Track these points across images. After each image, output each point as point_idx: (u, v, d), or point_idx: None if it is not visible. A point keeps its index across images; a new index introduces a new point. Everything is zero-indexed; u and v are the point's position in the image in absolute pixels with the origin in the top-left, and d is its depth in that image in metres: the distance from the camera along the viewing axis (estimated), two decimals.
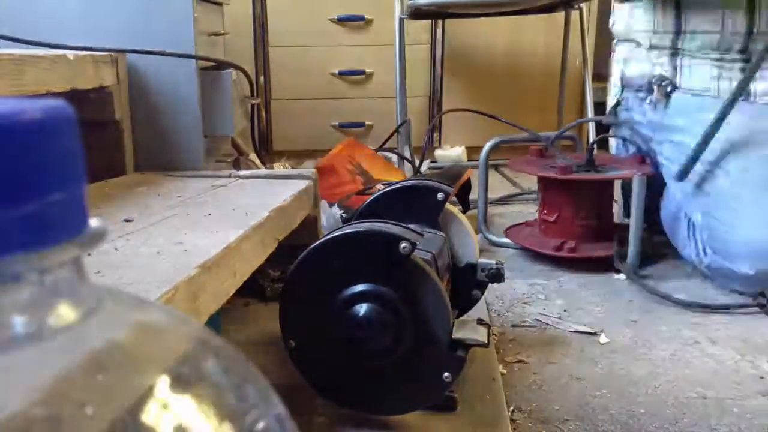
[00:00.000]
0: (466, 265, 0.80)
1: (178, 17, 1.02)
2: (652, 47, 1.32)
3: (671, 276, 1.19)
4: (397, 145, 1.90)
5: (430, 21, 2.24)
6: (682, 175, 1.18)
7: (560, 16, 2.08)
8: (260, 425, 0.16)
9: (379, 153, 1.70)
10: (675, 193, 1.25)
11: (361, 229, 0.63)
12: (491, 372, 0.77)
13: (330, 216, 1.19)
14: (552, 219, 1.29)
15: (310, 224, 0.95)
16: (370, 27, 2.28)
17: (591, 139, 1.73)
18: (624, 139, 1.41)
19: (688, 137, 1.21)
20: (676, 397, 0.78)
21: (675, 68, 1.29)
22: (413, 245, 0.59)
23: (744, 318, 1.01)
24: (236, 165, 1.43)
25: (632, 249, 1.18)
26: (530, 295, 1.11)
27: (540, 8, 1.84)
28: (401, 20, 1.89)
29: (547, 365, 0.86)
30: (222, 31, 1.31)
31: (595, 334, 0.95)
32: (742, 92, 1.14)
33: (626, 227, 1.22)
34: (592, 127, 1.90)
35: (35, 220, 0.14)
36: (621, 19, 1.39)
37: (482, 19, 2.14)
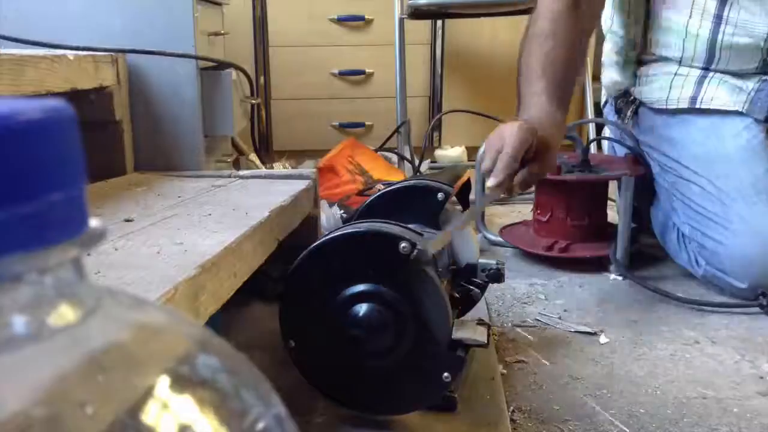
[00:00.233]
0: (466, 265, 0.80)
1: (178, 17, 1.02)
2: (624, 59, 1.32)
3: (669, 276, 1.19)
4: (397, 145, 1.90)
5: (430, 21, 2.23)
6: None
7: None
8: (260, 425, 0.16)
9: (379, 153, 1.70)
10: (663, 199, 1.25)
11: (361, 229, 0.63)
12: (491, 372, 0.77)
13: (330, 216, 1.19)
14: (545, 219, 1.29)
15: (310, 224, 0.95)
16: (370, 27, 2.28)
17: (591, 139, 1.73)
18: (617, 141, 1.41)
19: (661, 156, 1.22)
20: (676, 397, 0.78)
21: (637, 79, 1.30)
22: (413, 245, 0.59)
23: (744, 318, 1.01)
24: (236, 165, 1.43)
25: (620, 248, 1.18)
26: (530, 295, 1.11)
27: None
28: (401, 20, 1.89)
29: (547, 365, 0.86)
30: (222, 31, 1.31)
31: (595, 334, 0.95)
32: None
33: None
34: (592, 127, 1.90)
35: (35, 220, 0.14)
36: (604, 20, 1.38)
37: (482, 19, 2.14)
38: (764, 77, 1.15)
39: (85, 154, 0.16)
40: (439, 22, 2.26)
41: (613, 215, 1.30)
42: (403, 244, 0.59)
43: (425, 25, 2.25)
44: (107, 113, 0.97)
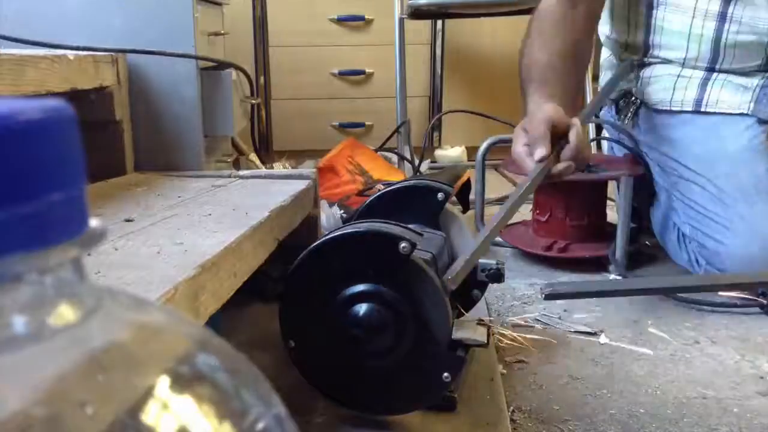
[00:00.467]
0: None
1: (178, 17, 1.02)
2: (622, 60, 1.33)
3: (668, 276, 1.19)
4: (397, 145, 1.90)
5: (430, 21, 2.23)
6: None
7: None
8: (260, 425, 0.16)
9: (379, 153, 1.70)
10: (662, 199, 1.25)
11: (361, 229, 0.63)
12: (491, 372, 0.77)
13: (330, 216, 1.19)
14: (544, 219, 1.29)
15: (310, 224, 0.95)
16: (370, 27, 2.28)
17: (590, 139, 1.73)
18: (615, 141, 1.41)
19: (661, 156, 1.22)
20: (676, 397, 0.78)
21: (639, 81, 1.29)
22: (413, 245, 0.59)
23: (744, 318, 1.01)
24: (236, 165, 1.43)
25: (619, 248, 1.18)
26: (530, 295, 1.11)
27: None
28: (401, 20, 1.89)
29: (547, 365, 0.86)
30: (222, 31, 1.31)
31: (595, 334, 0.95)
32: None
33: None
34: (591, 127, 1.90)
35: (35, 220, 0.14)
36: (601, 30, 1.38)
37: (482, 19, 2.14)
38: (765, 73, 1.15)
39: (85, 154, 0.16)
40: (439, 22, 2.26)
41: (612, 215, 1.30)
42: (403, 244, 0.59)
43: (425, 25, 2.25)
44: (107, 113, 0.97)
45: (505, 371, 0.83)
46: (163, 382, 0.15)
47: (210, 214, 0.72)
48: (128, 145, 1.01)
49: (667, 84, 1.23)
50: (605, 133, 1.53)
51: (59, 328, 0.15)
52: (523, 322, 0.99)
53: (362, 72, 2.30)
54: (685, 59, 1.20)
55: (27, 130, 0.14)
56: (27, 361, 0.14)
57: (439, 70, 2.33)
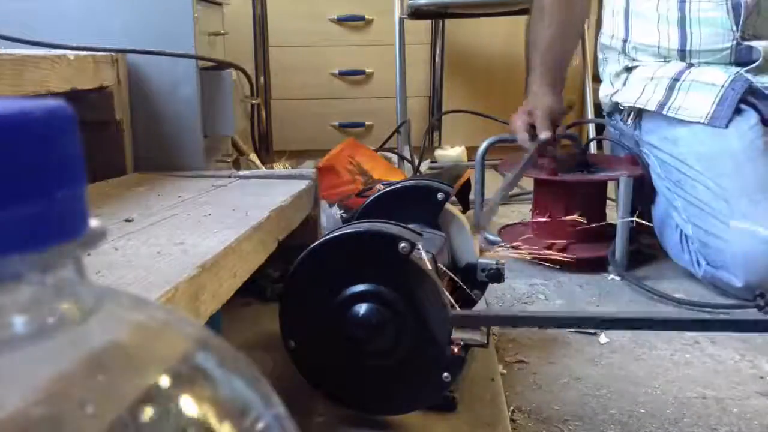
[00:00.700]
0: (466, 265, 0.80)
1: (178, 17, 1.02)
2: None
3: (668, 276, 1.19)
4: (397, 145, 1.90)
5: (430, 21, 2.23)
6: None
7: None
8: (260, 425, 0.17)
9: (379, 153, 1.70)
10: (663, 200, 1.25)
11: (361, 229, 0.63)
12: (491, 372, 0.77)
13: (330, 216, 1.19)
14: (543, 219, 1.29)
15: (310, 224, 0.95)
16: (370, 27, 2.28)
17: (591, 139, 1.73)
18: (616, 141, 1.41)
19: (663, 155, 1.22)
20: (676, 397, 0.78)
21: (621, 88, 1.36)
22: (413, 245, 0.59)
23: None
24: (236, 165, 1.43)
25: (619, 249, 1.18)
26: (530, 295, 1.11)
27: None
28: (401, 20, 1.89)
29: (547, 365, 0.86)
30: (222, 31, 1.31)
31: (595, 334, 0.95)
32: None
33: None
34: (592, 127, 1.90)
35: (35, 220, 0.14)
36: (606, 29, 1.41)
37: (482, 19, 2.14)
38: (739, 69, 1.16)
39: (85, 154, 0.16)
40: (439, 22, 2.26)
41: (612, 215, 1.30)
42: (402, 244, 0.59)
43: (425, 25, 2.25)
44: (107, 113, 0.97)
45: (505, 371, 0.83)
46: (163, 382, 0.15)
47: (210, 214, 0.72)
48: (128, 145, 1.01)
49: (638, 87, 1.28)
50: (606, 134, 1.53)
51: (59, 328, 0.15)
52: None
53: (362, 72, 2.30)
54: (659, 45, 1.25)
55: (27, 130, 0.14)
56: (27, 361, 0.14)
57: (439, 70, 2.33)
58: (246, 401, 0.17)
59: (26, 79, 0.73)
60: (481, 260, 0.80)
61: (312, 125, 2.29)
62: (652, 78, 1.26)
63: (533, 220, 1.33)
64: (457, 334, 0.61)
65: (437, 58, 2.31)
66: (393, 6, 1.90)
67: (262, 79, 2.25)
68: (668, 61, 1.26)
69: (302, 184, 0.92)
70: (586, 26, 2.04)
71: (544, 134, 1.20)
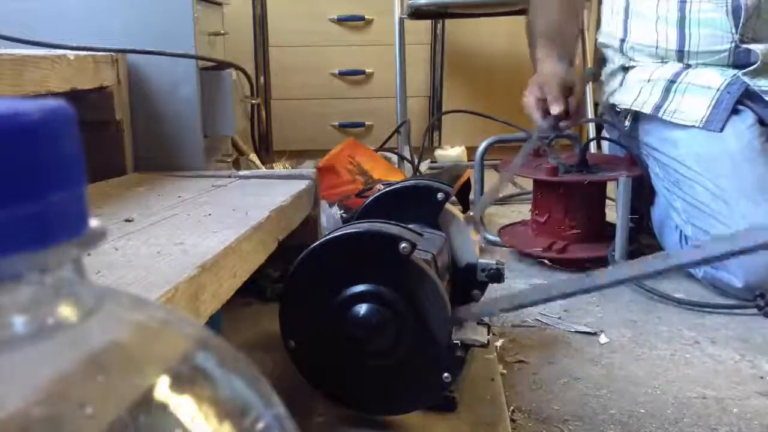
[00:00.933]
0: (466, 265, 0.80)
1: (178, 17, 1.02)
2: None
3: (668, 276, 1.19)
4: (397, 145, 1.91)
5: (430, 21, 2.24)
6: None
7: None
8: (260, 425, 0.16)
9: (379, 153, 1.70)
10: (662, 200, 1.25)
11: (361, 229, 0.63)
12: (491, 372, 0.77)
13: (330, 216, 1.19)
14: (542, 219, 1.29)
15: (310, 224, 0.95)
16: (370, 27, 2.28)
17: (590, 139, 1.73)
18: (615, 141, 1.41)
19: (661, 156, 1.22)
20: (676, 397, 0.78)
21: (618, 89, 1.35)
22: (413, 245, 0.59)
23: (744, 318, 1.01)
24: (236, 165, 1.43)
25: (619, 249, 1.18)
26: None
27: None
28: (401, 20, 1.89)
29: (547, 365, 0.86)
30: (222, 31, 1.31)
31: (595, 334, 0.95)
32: None
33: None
34: (591, 126, 1.90)
35: (35, 220, 0.14)
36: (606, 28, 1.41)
37: (482, 19, 2.14)
38: (736, 72, 1.16)
39: (85, 154, 0.16)
40: (439, 22, 2.26)
41: (612, 215, 1.30)
42: (403, 244, 0.59)
43: (425, 25, 2.25)
44: (107, 113, 0.97)
45: (505, 371, 0.83)
46: (162, 382, 0.15)
47: (210, 214, 0.72)
48: (128, 145, 1.01)
49: (635, 88, 1.27)
50: (605, 134, 1.53)
51: (59, 328, 0.15)
52: (522, 323, 0.99)
53: (362, 72, 2.30)
54: (657, 45, 1.25)
55: (27, 130, 0.14)
56: (27, 361, 0.14)
57: (439, 70, 2.33)
58: (246, 401, 0.17)
59: (26, 79, 0.73)
60: (481, 260, 0.80)
61: (312, 125, 2.30)
62: (648, 80, 1.26)
63: (533, 219, 1.33)
64: (457, 334, 0.61)
65: (437, 58, 2.31)
66: (393, 6, 1.90)
67: (262, 79, 2.25)
68: (666, 62, 1.26)
69: (302, 184, 0.92)
70: (585, 26, 2.05)
71: (555, 107, 1.13)
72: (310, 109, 2.30)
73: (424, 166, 1.96)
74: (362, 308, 0.61)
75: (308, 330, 0.64)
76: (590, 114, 1.96)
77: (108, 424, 0.14)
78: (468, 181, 0.91)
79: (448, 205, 0.78)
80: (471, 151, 2.21)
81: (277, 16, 2.23)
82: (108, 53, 0.94)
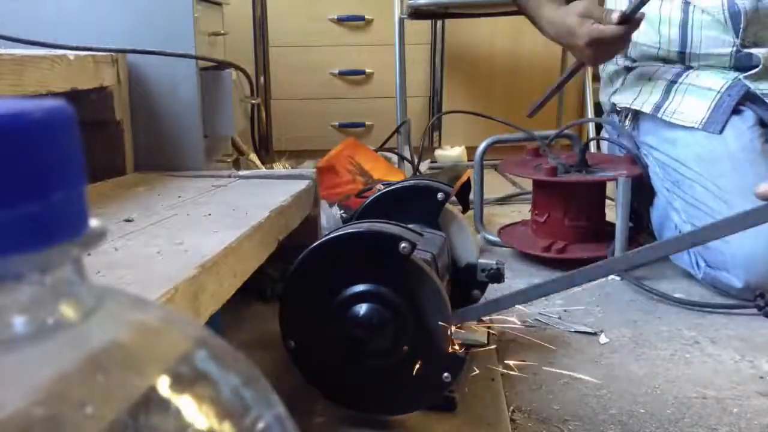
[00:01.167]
0: (466, 265, 0.80)
1: (178, 17, 1.02)
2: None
3: (668, 276, 1.19)
4: (397, 145, 1.90)
5: (430, 21, 2.23)
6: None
7: None
8: (260, 425, 0.17)
9: (379, 153, 1.70)
10: (662, 200, 1.25)
11: (361, 229, 0.63)
12: (491, 372, 0.77)
13: (330, 216, 1.19)
14: (542, 219, 1.29)
15: (310, 224, 0.95)
16: (370, 27, 2.28)
17: (590, 139, 1.73)
18: (614, 141, 1.41)
19: (661, 156, 1.22)
20: (676, 397, 0.78)
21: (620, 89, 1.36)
22: (413, 245, 0.59)
23: (743, 318, 1.01)
24: (236, 165, 1.43)
25: (618, 249, 1.18)
26: None
27: None
28: (401, 20, 1.89)
29: (547, 365, 0.86)
30: (222, 31, 1.31)
31: (595, 334, 0.95)
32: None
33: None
34: (591, 126, 1.90)
35: (36, 220, 0.14)
36: None
37: (482, 19, 2.14)
38: (737, 75, 1.16)
39: (85, 154, 0.16)
40: (439, 22, 2.26)
41: (612, 215, 1.30)
42: (403, 244, 0.59)
43: (425, 25, 2.25)
44: (107, 113, 0.97)
45: (505, 371, 0.83)
46: (163, 382, 0.15)
47: (210, 214, 0.72)
48: (128, 145, 1.01)
49: (635, 88, 1.27)
50: (605, 133, 1.53)
51: (59, 328, 0.15)
52: (522, 323, 0.99)
53: (362, 72, 2.30)
54: (659, 46, 1.25)
55: (27, 130, 0.14)
56: (27, 361, 0.14)
57: (439, 70, 2.33)
58: (246, 401, 0.17)
59: (26, 79, 0.73)
60: (481, 260, 0.80)
61: (312, 125, 2.29)
62: (650, 79, 1.26)
63: (532, 219, 1.33)
64: (457, 334, 0.61)
65: (437, 58, 2.31)
66: (393, 6, 1.90)
67: (262, 79, 2.25)
68: (667, 63, 1.26)
69: (302, 184, 0.92)
70: None
71: (614, 16, 1.11)
72: (310, 109, 2.30)
73: (424, 166, 1.96)
74: (362, 308, 0.61)
75: (308, 330, 0.64)
76: (590, 114, 1.97)
77: (108, 424, 0.14)
78: (468, 181, 0.91)
79: (448, 205, 0.78)
80: (471, 151, 2.21)
81: (277, 16, 2.23)
82: (108, 53, 0.94)
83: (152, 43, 0.99)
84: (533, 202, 1.33)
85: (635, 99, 1.26)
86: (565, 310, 1.04)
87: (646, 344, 0.92)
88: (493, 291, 1.10)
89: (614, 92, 1.36)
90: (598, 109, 1.70)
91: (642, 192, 1.26)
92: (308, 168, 1.28)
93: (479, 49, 2.34)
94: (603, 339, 0.94)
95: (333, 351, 0.63)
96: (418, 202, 0.77)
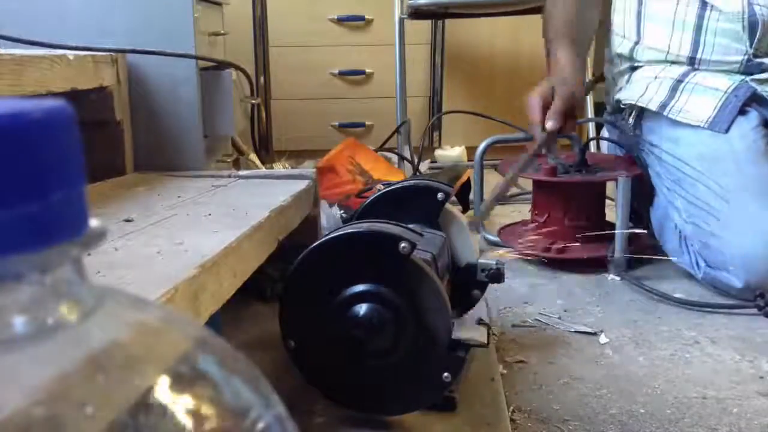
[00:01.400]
0: (466, 265, 0.80)
1: (178, 17, 1.02)
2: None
3: (668, 276, 1.19)
4: (397, 145, 1.91)
5: (430, 21, 2.23)
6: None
7: None
8: (260, 425, 0.17)
9: (379, 153, 1.70)
10: (662, 200, 1.25)
11: (361, 229, 0.63)
12: (491, 372, 0.77)
13: (330, 216, 1.19)
14: (542, 219, 1.29)
15: (310, 224, 0.95)
16: (370, 27, 2.28)
17: (590, 138, 1.73)
18: (614, 141, 1.41)
19: (664, 154, 1.22)
20: (676, 397, 0.78)
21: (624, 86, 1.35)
22: (413, 245, 0.59)
23: (743, 318, 1.01)
24: (236, 165, 1.43)
25: (618, 249, 1.18)
26: (530, 295, 1.11)
27: (540, 8, 1.84)
28: (401, 20, 1.89)
29: (547, 365, 0.86)
30: (222, 31, 1.31)
31: (595, 334, 0.95)
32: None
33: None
34: (591, 126, 1.90)
35: (35, 220, 0.14)
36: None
37: (482, 19, 2.14)
38: (746, 77, 1.16)
39: (85, 154, 0.16)
40: (439, 22, 2.26)
41: (612, 215, 1.30)
42: (403, 244, 0.59)
43: (425, 25, 2.25)
44: (107, 113, 0.96)
45: (505, 371, 0.83)
46: (163, 382, 0.15)
47: (210, 214, 0.72)
48: (128, 145, 1.00)
49: (641, 85, 1.27)
50: (605, 133, 1.53)
51: (59, 328, 0.15)
52: (522, 323, 0.99)
53: (362, 72, 2.30)
54: (669, 49, 1.24)
55: (27, 130, 0.14)
56: (27, 361, 0.14)
57: (439, 70, 2.33)
58: (246, 401, 0.17)
59: (26, 79, 0.73)
60: (481, 260, 0.80)
61: (312, 125, 2.29)
62: (656, 77, 1.25)
63: (533, 219, 1.33)
64: (457, 334, 0.61)
65: (437, 58, 2.31)
66: (393, 6, 1.90)
67: (262, 79, 2.24)
68: (674, 66, 1.25)
69: (302, 184, 0.92)
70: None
71: (551, 123, 1.12)
72: (310, 109, 2.30)
73: (424, 166, 1.96)
74: (362, 308, 0.61)
75: (308, 330, 0.64)
76: (590, 114, 1.96)
77: (108, 424, 0.14)
78: (468, 181, 0.91)
79: (448, 205, 0.78)
80: (471, 151, 2.21)
81: (277, 16, 2.23)
82: (108, 53, 0.94)
83: (152, 43, 0.99)
84: (533, 202, 1.33)
85: (641, 96, 1.26)
86: (565, 310, 1.04)
87: (646, 344, 0.92)
88: (494, 291, 1.10)
89: (619, 90, 1.35)
90: (598, 109, 1.70)
91: (642, 192, 1.26)
92: (308, 168, 1.28)
93: (479, 49, 2.34)
94: (603, 339, 0.94)
95: (333, 351, 0.63)
96: (418, 202, 0.77)
